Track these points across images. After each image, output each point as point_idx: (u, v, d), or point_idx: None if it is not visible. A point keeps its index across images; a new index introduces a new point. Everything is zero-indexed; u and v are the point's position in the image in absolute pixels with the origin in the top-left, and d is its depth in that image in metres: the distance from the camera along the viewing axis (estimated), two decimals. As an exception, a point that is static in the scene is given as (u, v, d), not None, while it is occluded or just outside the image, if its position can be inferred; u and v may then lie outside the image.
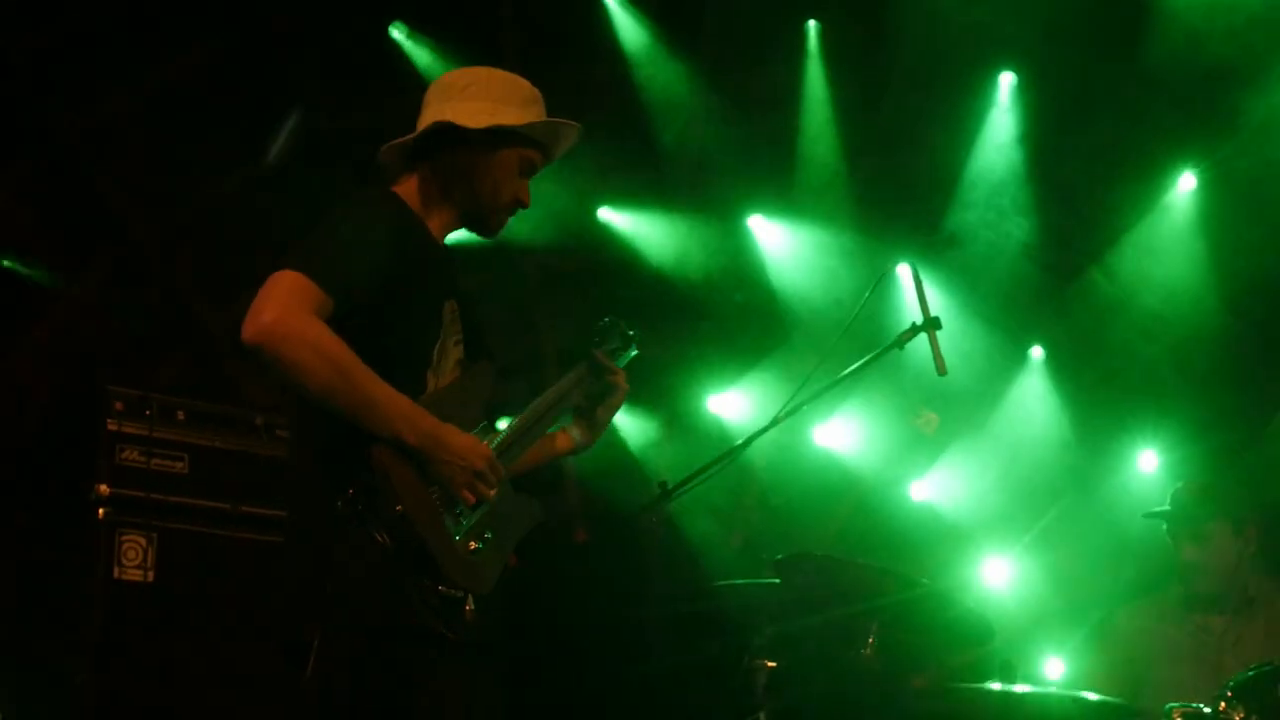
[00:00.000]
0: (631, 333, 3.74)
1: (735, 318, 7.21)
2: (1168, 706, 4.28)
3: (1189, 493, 5.12)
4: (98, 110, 6.07)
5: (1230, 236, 6.74)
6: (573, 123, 3.46)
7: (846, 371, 4.56)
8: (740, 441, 4.59)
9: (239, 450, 5.13)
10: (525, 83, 3.47)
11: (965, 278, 6.90)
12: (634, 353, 3.76)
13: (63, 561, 4.91)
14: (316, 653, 3.01)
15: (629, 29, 6.82)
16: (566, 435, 3.65)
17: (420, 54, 6.62)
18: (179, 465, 4.99)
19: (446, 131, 3.34)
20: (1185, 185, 6.77)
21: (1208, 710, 4.20)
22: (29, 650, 4.93)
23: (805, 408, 4.59)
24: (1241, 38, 6.03)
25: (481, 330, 3.45)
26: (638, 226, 6.99)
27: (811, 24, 6.90)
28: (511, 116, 3.37)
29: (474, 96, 3.38)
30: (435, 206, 3.38)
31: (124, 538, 4.80)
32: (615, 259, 6.80)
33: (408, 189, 3.38)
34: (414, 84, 6.65)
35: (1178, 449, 6.67)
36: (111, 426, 4.88)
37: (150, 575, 4.81)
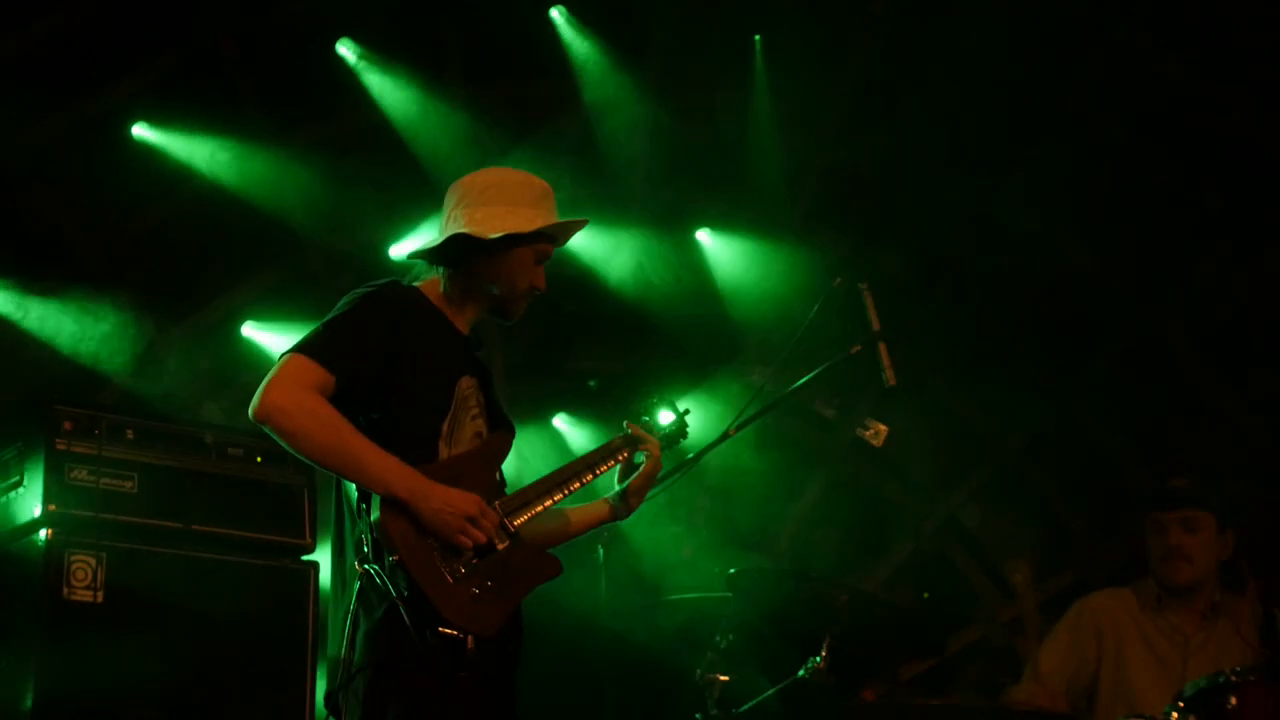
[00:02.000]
0: (685, 411, 4.05)
1: (684, 330, 7.30)
2: (1120, 719, 4.36)
3: (1185, 485, 5.20)
4: (41, 132, 6.08)
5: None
6: (580, 218, 3.79)
7: (797, 384, 4.67)
8: (692, 455, 4.70)
9: (190, 468, 5.10)
10: (537, 181, 3.76)
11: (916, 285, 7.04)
12: (680, 427, 4.02)
13: (10, 583, 4.86)
14: (339, 688, 3.37)
15: (576, 44, 6.89)
16: (607, 504, 3.87)
17: (368, 70, 6.68)
18: (129, 484, 4.95)
19: (465, 242, 3.63)
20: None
21: None
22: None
23: (757, 420, 4.70)
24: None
25: (500, 404, 3.74)
26: (586, 241, 7.05)
27: (757, 37, 7.01)
28: (523, 220, 3.65)
29: (489, 201, 3.67)
30: (458, 303, 3.70)
31: (73, 558, 4.75)
32: (564, 274, 6.86)
33: (430, 286, 3.71)
34: (362, 100, 6.72)
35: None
36: (60, 446, 4.83)
37: (99, 596, 4.76)
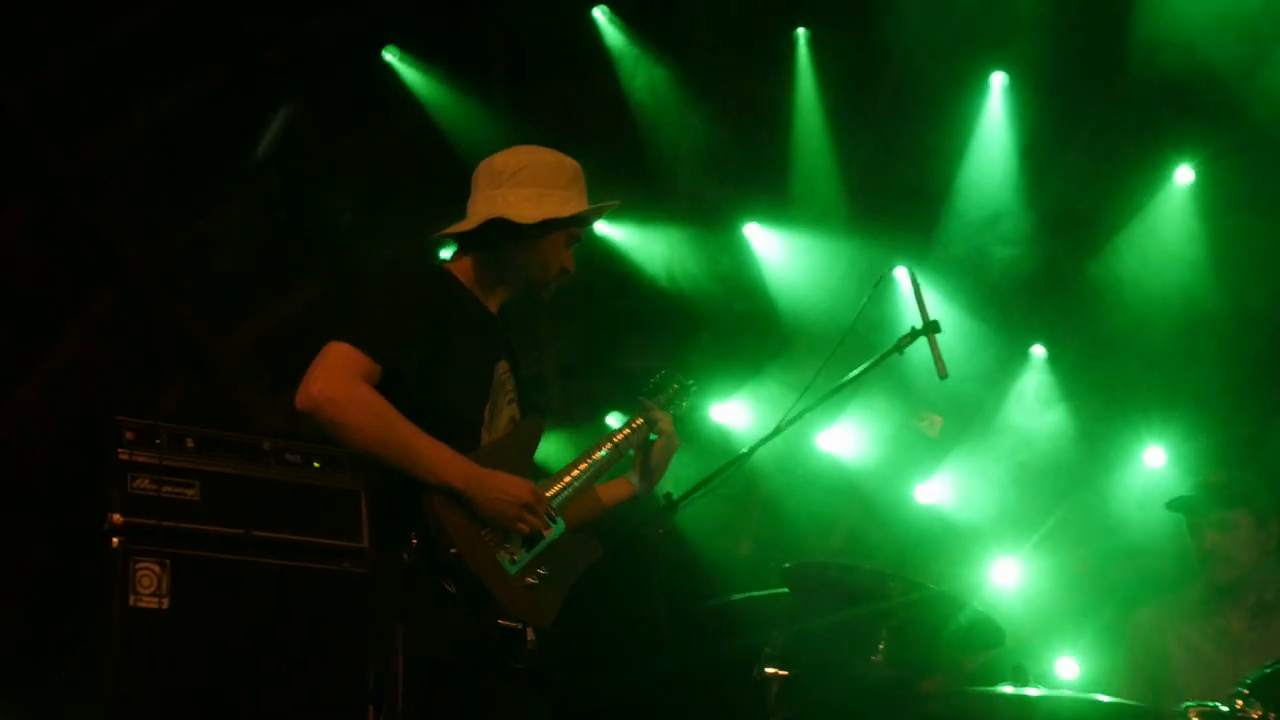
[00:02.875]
0: (690, 382, 4.06)
1: (734, 327, 7.33)
2: (1184, 705, 4.29)
3: (1215, 482, 5.16)
4: (94, 145, 6.20)
5: (1230, 229, 6.85)
6: (611, 203, 3.77)
7: (849, 377, 4.67)
8: (745, 450, 4.73)
9: (249, 475, 5.20)
10: (568, 161, 3.71)
11: (964, 279, 7.02)
12: (690, 400, 4.05)
13: (78, 592, 4.97)
14: (392, 688, 3.25)
15: (619, 42, 6.94)
16: (626, 482, 3.91)
17: (413, 75, 6.78)
18: (190, 492, 5.06)
19: (500, 225, 3.57)
20: (1183, 178, 6.89)
21: (1225, 709, 4.18)
22: (46, 682, 5.00)
23: (808, 414, 4.71)
24: (1234, 29, 6.13)
25: (531, 386, 3.75)
26: (634, 239, 7.10)
27: (800, 31, 7.04)
28: (558, 203, 3.62)
29: (522, 183, 3.61)
30: (490, 286, 3.66)
31: (138, 566, 4.85)
32: (614, 272, 6.92)
33: (461, 267, 3.65)
34: (408, 106, 6.81)
35: (1188, 443, 6.74)
36: (123, 456, 4.95)
37: (165, 602, 4.86)
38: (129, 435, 5.00)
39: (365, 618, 4.91)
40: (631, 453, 3.90)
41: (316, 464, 5.37)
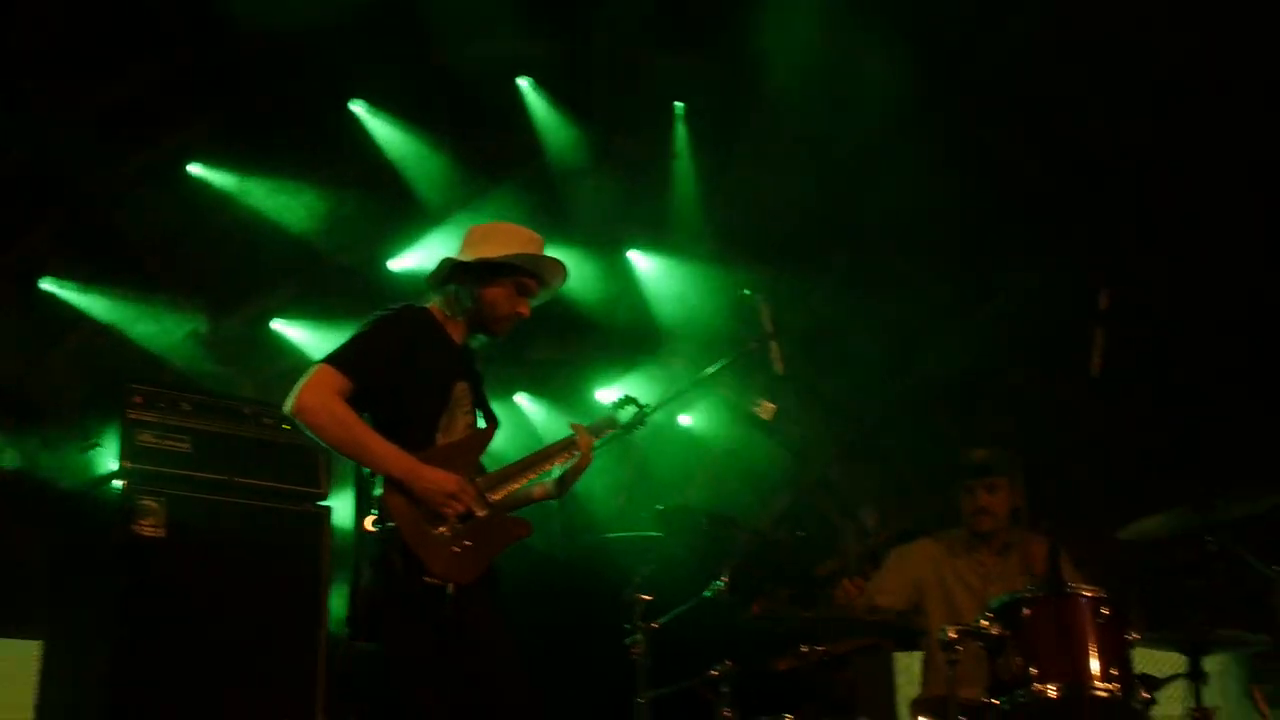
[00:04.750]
0: (644, 406, 4.06)
1: (618, 331, 7.37)
2: (943, 628, 4.38)
3: (985, 455, 5.28)
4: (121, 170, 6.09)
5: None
6: (548, 256, 3.79)
7: (707, 372, 4.72)
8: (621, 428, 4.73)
9: (231, 433, 5.16)
10: (527, 231, 3.80)
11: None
12: (639, 414, 4.04)
13: (94, 521, 4.89)
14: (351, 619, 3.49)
15: (537, 105, 6.95)
16: (543, 487, 3.89)
17: (374, 123, 6.71)
18: (184, 445, 5.01)
19: (450, 267, 3.70)
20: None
21: (974, 627, 4.32)
22: (70, 590, 4.93)
23: (676, 399, 4.75)
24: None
25: (488, 404, 3.79)
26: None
27: (678, 104, 7.10)
28: (495, 252, 3.68)
29: (479, 243, 3.73)
30: (452, 318, 3.73)
31: (141, 502, 4.81)
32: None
33: (435, 308, 3.74)
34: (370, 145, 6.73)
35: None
36: (132, 415, 4.91)
37: (162, 531, 4.83)
38: (137, 399, 4.94)
39: (324, 549, 4.95)
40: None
41: (285, 426, 5.20)
